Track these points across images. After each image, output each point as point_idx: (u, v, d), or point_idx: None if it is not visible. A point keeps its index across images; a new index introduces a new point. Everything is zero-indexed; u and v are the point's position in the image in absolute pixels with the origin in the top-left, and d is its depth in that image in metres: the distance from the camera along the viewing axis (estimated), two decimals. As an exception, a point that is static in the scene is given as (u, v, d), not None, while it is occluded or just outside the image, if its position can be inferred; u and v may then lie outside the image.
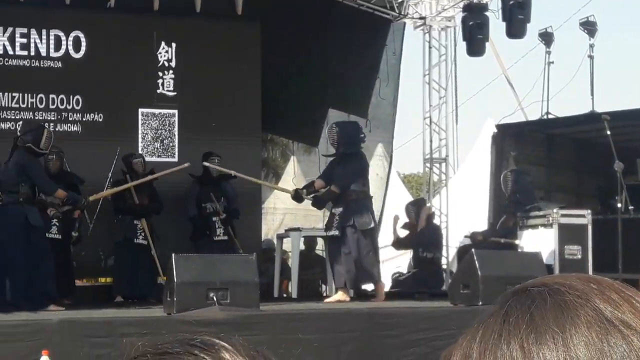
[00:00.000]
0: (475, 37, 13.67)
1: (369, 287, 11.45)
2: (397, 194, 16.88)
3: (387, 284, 13.92)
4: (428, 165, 14.50)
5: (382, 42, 14.36)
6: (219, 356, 0.94)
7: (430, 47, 14.38)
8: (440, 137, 14.45)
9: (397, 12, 14.24)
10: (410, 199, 16.64)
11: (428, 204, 13.87)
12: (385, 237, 15.23)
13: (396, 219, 13.24)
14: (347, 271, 10.43)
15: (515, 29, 13.51)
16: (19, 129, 10.31)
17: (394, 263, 15.74)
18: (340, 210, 10.45)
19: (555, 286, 0.98)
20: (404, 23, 14.58)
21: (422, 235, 13.06)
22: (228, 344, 0.96)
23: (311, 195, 10.85)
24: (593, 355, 0.93)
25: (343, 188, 10.43)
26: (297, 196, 10.97)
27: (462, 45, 14.14)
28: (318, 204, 11.05)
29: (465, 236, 13.23)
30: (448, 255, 14.08)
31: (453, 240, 14.32)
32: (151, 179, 11.31)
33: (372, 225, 10.56)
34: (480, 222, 13.97)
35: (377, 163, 15.01)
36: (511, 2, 13.30)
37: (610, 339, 0.93)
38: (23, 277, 9.52)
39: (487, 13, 13.74)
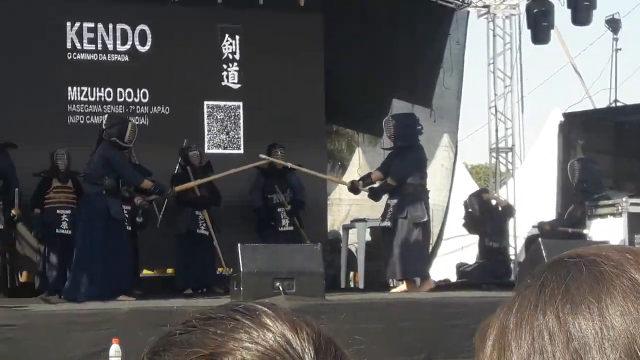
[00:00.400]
0: (540, 25, 13.53)
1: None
2: (464, 185, 16.76)
3: (452, 275, 13.89)
4: (494, 155, 14.38)
5: (446, 32, 14.26)
6: (260, 320, 0.96)
7: (494, 36, 14.26)
8: (506, 126, 14.32)
9: (461, 0, 14.14)
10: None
11: (494, 193, 13.77)
12: (452, 228, 15.19)
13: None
14: (397, 262, 10.43)
15: (581, 16, 13.33)
16: (103, 122, 10.45)
17: (458, 255, 15.68)
18: (395, 202, 10.48)
19: (590, 257, 0.98)
20: (468, 12, 14.47)
21: (487, 224, 12.98)
22: (269, 309, 0.98)
23: (367, 187, 10.87)
24: (629, 325, 0.92)
25: (400, 180, 10.46)
26: (354, 188, 11.03)
27: (527, 33, 14.02)
28: (374, 195, 11.07)
29: (533, 226, 13.10)
30: (516, 246, 13.96)
31: (521, 230, 14.19)
32: (227, 174, 11.42)
33: (426, 219, 10.54)
34: (547, 211, 13.82)
35: (442, 154, 14.94)
36: (577, -11, 13.14)
37: None
38: (99, 269, 9.68)
39: (552, 0, 13.58)
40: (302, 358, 0.94)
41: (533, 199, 15.19)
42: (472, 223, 13.32)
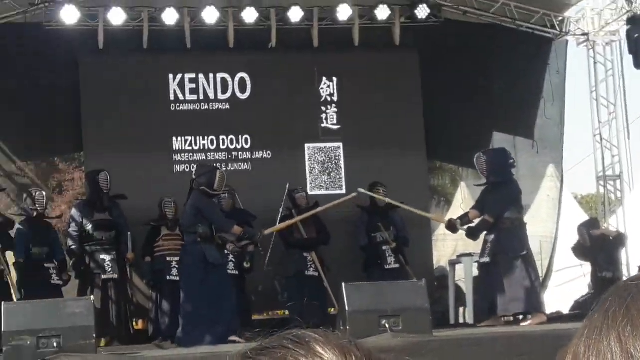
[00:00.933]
0: (641, 49, 13.25)
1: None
2: (572, 216, 16.45)
3: (565, 307, 13.60)
4: (602, 183, 14.11)
5: (545, 62, 14.11)
6: (310, 347, 0.98)
7: (595, 63, 14.05)
8: (612, 153, 14.05)
9: (559, 30, 13.99)
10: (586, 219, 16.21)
11: (604, 224, 13.49)
12: (561, 260, 14.89)
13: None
14: (503, 298, 10.30)
15: (684, 38, 13.01)
16: (193, 171, 10.68)
17: (571, 286, 15.35)
18: (492, 237, 10.40)
19: None
20: (567, 40, 14.30)
21: (598, 254, 12.70)
22: (319, 336, 1.00)
23: (466, 227, 10.80)
24: None
25: (497, 217, 10.40)
26: (451, 226, 10.93)
27: (628, 59, 13.75)
28: (472, 235, 10.94)
29: (646, 254, 12.78)
30: (629, 274, 13.61)
31: (633, 259, 13.83)
32: (316, 212, 11.48)
33: (525, 252, 10.41)
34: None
35: (548, 184, 14.71)
36: (678, 10, 12.85)
37: None
38: (206, 314, 9.82)
39: (652, 24, 13.30)
40: None
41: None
42: (584, 253, 13.06)
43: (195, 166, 11.00)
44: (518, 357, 8.67)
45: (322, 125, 13.07)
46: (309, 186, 12.70)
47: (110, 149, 12.31)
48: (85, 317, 8.26)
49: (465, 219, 10.84)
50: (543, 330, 9.46)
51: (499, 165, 10.64)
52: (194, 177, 10.41)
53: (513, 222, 10.44)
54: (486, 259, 10.46)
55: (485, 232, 10.67)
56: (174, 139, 12.66)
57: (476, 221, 10.71)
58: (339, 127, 13.11)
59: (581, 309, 12.58)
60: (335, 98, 13.12)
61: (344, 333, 7.69)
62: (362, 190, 11.59)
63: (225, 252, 10.52)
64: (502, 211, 10.42)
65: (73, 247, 11.03)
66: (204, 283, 9.80)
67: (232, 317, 10.14)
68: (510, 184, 10.68)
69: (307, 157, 12.99)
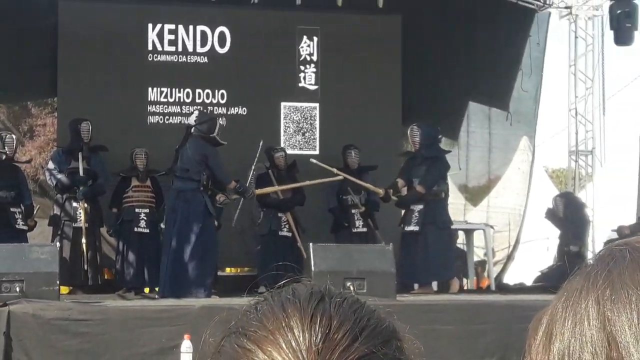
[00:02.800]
0: (623, 26, 13.28)
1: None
2: (543, 189, 16.56)
3: (529, 278, 13.72)
4: (573, 158, 14.17)
5: (526, 33, 14.08)
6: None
7: (576, 37, 14.05)
8: (586, 129, 14.10)
9: (542, 1, 13.96)
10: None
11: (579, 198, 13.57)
12: (529, 232, 15.02)
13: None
14: (429, 266, 10.71)
15: (667, 17, 13.04)
16: (193, 119, 10.48)
17: (536, 258, 15.48)
18: (421, 208, 10.72)
19: (636, 244, 0.98)
20: (549, 13, 14.27)
21: (570, 227, 12.80)
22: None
23: (396, 195, 11.10)
24: None
25: (429, 189, 10.81)
26: (387, 196, 11.23)
27: (609, 35, 13.77)
28: (403, 204, 11.27)
29: (612, 230, 12.87)
30: (594, 250, 13.73)
31: (600, 235, 13.96)
32: (301, 185, 11.52)
33: (452, 224, 11.16)
34: (628, 215, 13.58)
35: (520, 157, 14.78)
36: (661, -11, 12.86)
37: None
38: (186, 265, 9.78)
39: (636, 1, 13.33)
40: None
41: (613, 203, 14.93)
42: (556, 220, 13.13)
43: (196, 113, 10.82)
44: (481, 324, 8.76)
45: (300, 85, 13.01)
46: (282, 145, 12.66)
47: (85, 96, 12.20)
48: (49, 263, 8.25)
49: (395, 187, 11.14)
50: (507, 300, 9.56)
51: (432, 139, 11.12)
52: (194, 123, 10.30)
53: (439, 195, 10.85)
54: (415, 228, 10.75)
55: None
56: (150, 89, 12.57)
57: (405, 191, 11.05)
58: (316, 87, 13.05)
59: (545, 281, 12.69)
60: (314, 58, 13.05)
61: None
62: (314, 160, 11.58)
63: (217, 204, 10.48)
64: (433, 184, 10.90)
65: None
66: (200, 233, 9.76)
67: (212, 270, 10.17)
68: (443, 159, 11.24)
69: (282, 116, 12.94)
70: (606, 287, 0.96)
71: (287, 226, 11.49)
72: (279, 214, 11.49)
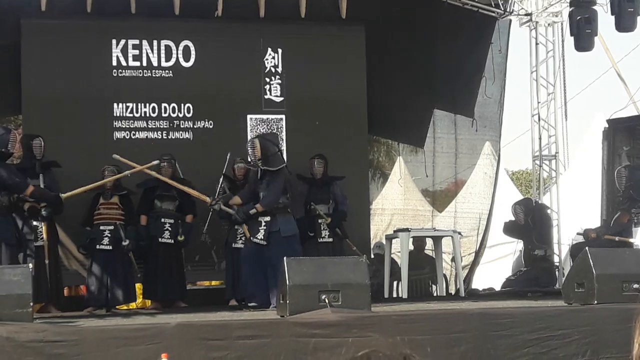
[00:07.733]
0: (583, 32, 13.44)
1: None
2: (505, 192, 16.71)
3: (497, 283, 13.85)
4: (537, 162, 14.32)
5: (488, 40, 14.23)
6: None
7: (537, 44, 14.20)
8: (549, 133, 14.26)
9: (503, 9, 14.10)
10: (519, 196, 16.47)
11: (538, 201, 13.72)
12: (494, 236, 15.13)
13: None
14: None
15: (625, 22, 13.21)
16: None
17: (502, 263, 15.62)
18: (266, 219, 10.22)
19: None
20: (510, 20, 14.43)
21: (533, 232, 12.94)
22: None
23: (244, 214, 10.29)
24: None
25: (270, 207, 10.18)
26: (211, 207, 10.66)
27: (570, 41, 13.94)
28: (242, 221, 10.47)
29: (578, 233, 13.04)
30: (560, 253, 13.89)
31: (565, 238, 14.12)
32: (121, 177, 11.03)
33: (296, 232, 10.35)
34: (592, 219, 13.74)
35: (485, 162, 14.91)
36: (620, -5, 13.03)
37: None
38: None
39: (595, 7, 13.49)
40: None
41: (577, 206, 15.10)
42: (517, 230, 13.29)
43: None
44: (455, 334, 8.82)
45: (266, 97, 13.03)
46: (249, 157, 12.63)
47: (50, 112, 12.12)
48: (22, 285, 8.16)
49: (228, 201, 10.52)
50: (479, 308, 9.62)
51: (272, 152, 10.26)
52: None
53: (284, 204, 10.21)
54: (261, 238, 10.18)
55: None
56: (115, 105, 12.51)
57: (235, 207, 10.35)
58: (282, 99, 13.09)
59: (513, 286, 12.81)
60: (279, 69, 13.08)
61: (284, 307, 7.65)
62: (116, 156, 10.79)
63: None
64: (276, 200, 10.16)
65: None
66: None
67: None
68: (282, 173, 10.31)
69: (249, 128, 12.94)
70: None
71: (243, 237, 11.36)
72: (236, 226, 11.29)
